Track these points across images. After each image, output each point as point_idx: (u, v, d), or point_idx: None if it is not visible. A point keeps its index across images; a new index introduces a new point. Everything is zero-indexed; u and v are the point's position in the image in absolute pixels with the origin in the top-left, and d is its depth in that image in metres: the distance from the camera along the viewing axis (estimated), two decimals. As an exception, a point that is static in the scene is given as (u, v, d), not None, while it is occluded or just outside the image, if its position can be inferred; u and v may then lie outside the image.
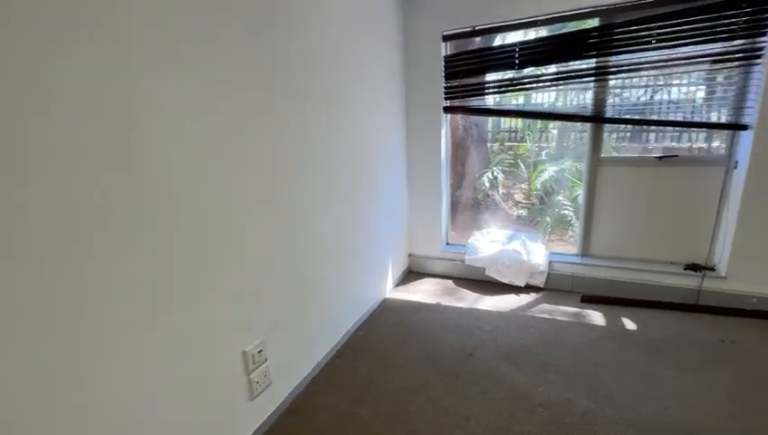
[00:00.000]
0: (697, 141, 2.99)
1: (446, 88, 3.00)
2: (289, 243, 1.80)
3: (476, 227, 3.66)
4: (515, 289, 2.94)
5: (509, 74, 3.00)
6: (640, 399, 1.78)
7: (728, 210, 2.48)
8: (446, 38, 2.92)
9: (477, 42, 3.27)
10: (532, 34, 3.03)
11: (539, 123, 4.33)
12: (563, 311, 2.62)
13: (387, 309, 2.78)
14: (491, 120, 4.36)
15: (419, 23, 2.92)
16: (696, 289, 2.58)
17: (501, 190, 4.52)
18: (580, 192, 3.71)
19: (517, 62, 2.78)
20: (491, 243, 3.14)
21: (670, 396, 1.79)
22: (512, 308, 2.70)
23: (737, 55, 2.28)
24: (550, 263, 2.96)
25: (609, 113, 2.73)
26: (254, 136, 1.55)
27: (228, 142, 1.43)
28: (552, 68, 2.76)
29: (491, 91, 2.96)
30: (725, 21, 2.26)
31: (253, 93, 1.53)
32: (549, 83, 2.81)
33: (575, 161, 3.94)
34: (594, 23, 2.61)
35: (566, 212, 4.03)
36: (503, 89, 2.96)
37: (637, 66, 2.52)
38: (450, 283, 3.17)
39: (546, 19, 2.65)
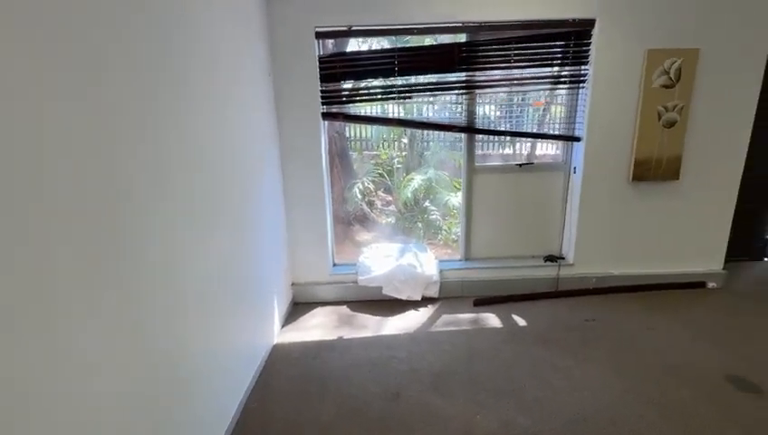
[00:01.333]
0: (542, 149, 3.55)
1: (323, 92, 2.65)
2: (129, 328, 1.14)
3: (358, 243, 3.43)
4: (414, 304, 2.83)
5: (389, 81, 2.88)
6: (562, 398, 1.86)
7: (571, 208, 2.96)
8: (319, 35, 2.58)
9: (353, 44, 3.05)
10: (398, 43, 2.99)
11: (393, 132, 4.45)
12: (464, 319, 2.64)
13: (280, 359, 2.24)
14: (349, 129, 4.24)
15: (287, 14, 2.49)
16: (554, 278, 2.99)
17: (372, 200, 4.44)
18: (450, 198, 3.97)
19: (397, 68, 2.67)
20: (383, 259, 2.95)
21: (580, 386, 1.93)
22: (417, 327, 2.56)
23: (569, 79, 2.73)
24: (440, 271, 2.97)
25: (479, 124, 2.90)
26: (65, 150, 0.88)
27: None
28: (429, 78, 2.77)
29: (372, 97, 2.78)
30: (560, 50, 2.68)
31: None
32: (427, 93, 2.81)
33: (438, 169, 4.19)
34: (463, 38, 2.72)
35: (434, 217, 4.24)
36: (385, 96, 2.81)
37: (498, 82, 2.75)
38: (345, 309, 2.83)
39: (423, 28, 2.62)
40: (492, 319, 2.63)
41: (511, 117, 3.11)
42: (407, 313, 2.74)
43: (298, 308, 2.86)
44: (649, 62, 2.60)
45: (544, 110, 2.99)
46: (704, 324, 2.50)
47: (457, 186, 3.59)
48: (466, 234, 3.08)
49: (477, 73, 2.75)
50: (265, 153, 2.42)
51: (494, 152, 3.66)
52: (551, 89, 2.85)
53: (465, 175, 2.96)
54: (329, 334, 2.50)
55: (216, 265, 1.65)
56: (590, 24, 2.60)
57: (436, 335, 2.46)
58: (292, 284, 2.94)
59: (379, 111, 3.04)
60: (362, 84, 2.99)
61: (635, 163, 2.77)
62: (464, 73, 2.72)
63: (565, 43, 2.66)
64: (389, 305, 2.81)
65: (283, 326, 2.61)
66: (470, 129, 2.85)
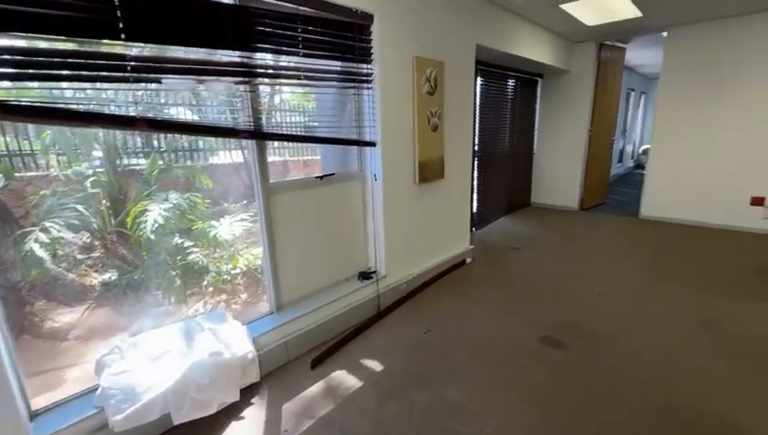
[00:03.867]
0: (306, 154, 3.10)
1: None
2: None
3: (60, 336, 1.88)
4: (231, 411, 1.79)
5: (103, 47, 1.56)
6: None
7: (374, 217, 2.75)
8: None
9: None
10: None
11: (76, 140, 2.83)
12: (313, 397, 1.90)
13: None
14: None
15: None
16: (376, 296, 2.73)
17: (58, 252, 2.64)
18: (213, 229, 2.89)
19: (123, 26, 1.47)
20: (153, 364, 1.68)
21: (476, 419, 1.72)
22: (260, 450, 1.60)
23: (358, 78, 2.43)
24: (254, 341, 2.04)
25: (265, 127, 2.13)
26: None
27: None
28: (184, 52, 1.73)
29: (77, 74, 1.43)
30: (347, 42, 2.32)
31: None
32: (183, 75, 1.74)
33: (175, 192, 2.96)
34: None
35: (195, 257, 3.02)
36: (101, 73, 1.50)
37: (285, 71, 2.08)
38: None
39: (165, -37, 1.55)
40: (343, 378, 2.04)
41: (305, 119, 2.51)
42: (224, 433, 1.69)
43: None
44: (417, 69, 2.70)
45: (340, 111, 2.59)
46: (488, 299, 2.95)
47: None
48: (273, 276, 2.27)
49: (258, 56, 1.97)
50: None
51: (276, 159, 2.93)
52: (342, 86, 2.46)
53: (260, 198, 2.12)
54: None
55: None
56: (370, 18, 2.38)
57: (296, 449, 1.61)
58: None
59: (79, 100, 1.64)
60: (43, 47, 1.49)
61: (419, 165, 2.87)
62: (239, 52, 1.86)
63: (351, 36, 2.33)
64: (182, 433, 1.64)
65: None
66: (260, 133, 2.04)
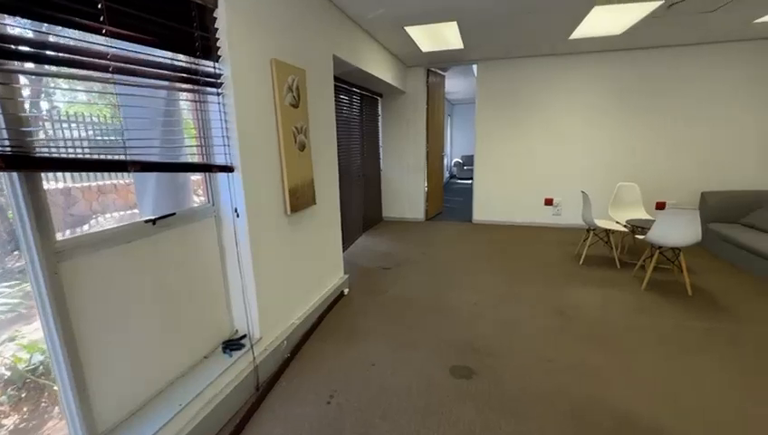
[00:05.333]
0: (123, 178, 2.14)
1: None
2: None
3: None
4: None
5: None
6: None
7: (241, 263, 2.07)
8: None
9: None
10: None
11: None
12: None
13: None
14: None
15: None
16: (253, 368, 2.04)
17: None
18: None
19: None
20: None
21: None
22: None
23: (203, 79, 1.75)
24: None
25: (37, 149, 1.24)
26: None
27: None
28: None
29: None
30: (184, 28, 1.63)
31: None
32: None
33: None
34: None
35: None
36: None
37: (77, 56, 1.26)
38: None
39: None
40: None
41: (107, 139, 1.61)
42: None
43: None
44: (278, 74, 2.19)
45: (171, 123, 1.76)
46: (382, 334, 2.65)
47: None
48: (76, 382, 1.36)
49: (9, 21, 1.11)
50: None
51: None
52: (177, 88, 1.71)
53: (37, 267, 1.22)
54: None
55: None
56: (212, 1, 1.75)
57: None
58: None
59: None
60: None
61: (289, 192, 2.34)
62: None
63: (188, 20, 1.65)
64: None
65: None
66: (25, 160, 1.16)
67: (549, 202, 5.58)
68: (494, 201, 5.78)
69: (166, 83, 1.62)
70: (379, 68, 4.25)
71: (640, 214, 4.27)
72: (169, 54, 1.63)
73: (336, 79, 3.23)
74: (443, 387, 2.06)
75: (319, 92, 2.75)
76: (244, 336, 2.11)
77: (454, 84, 8.03)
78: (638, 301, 3.06)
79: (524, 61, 5.22)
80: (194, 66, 1.71)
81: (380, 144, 6.04)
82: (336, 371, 2.22)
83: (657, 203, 5.09)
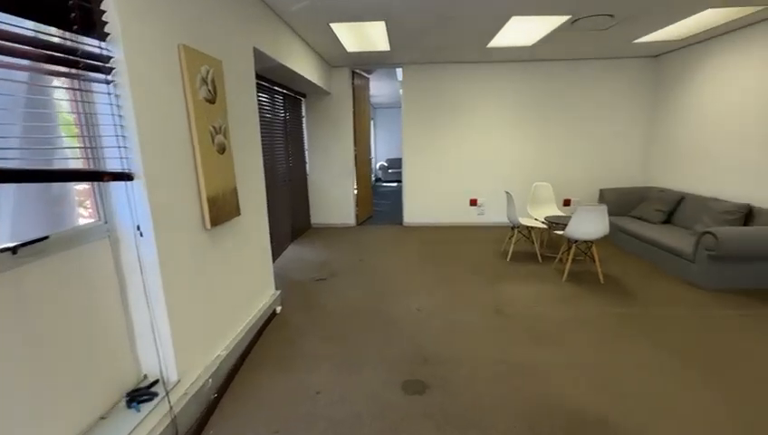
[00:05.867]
0: None
1: None
2: None
3: None
4: None
5: None
6: None
7: (148, 292, 1.67)
8: None
9: None
10: None
11: None
12: None
13: None
14: None
15: None
16: (170, 421, 1.65)
17: None
18: None
19: None
20: None
21: None
22: None
23: (84, 61, 1.35)
24: None
25: None
26: None
27: None
28: None
29: None
30: (46, -11, 1.23)
31: None
32: None
33: None
34: None
35: None
36: None
37: None
38: None
39: None
40: None
41: None
42: None
43: None
44: (188, 63, 1.84)
45: (31, 118, 1.29)
46: (323, 356, 2.41)
47: None
48: None
49: None
50: None
51: None
52: (44, 70, 1.28)
53: None
54: None
55: None
56: (94, -39, 1.37)
57: None
58: None
59: None
60: None
61: (208, 202, 1.99)
62: None
63: (47, -20, 1.25)
64: None
65: None
66: None
67: (474, 202, 5.83)
68: (423, 204, 5.86)
69: (26, 63, 1.20)
70: (304, 66, 3.98)
71: (554, 211, 4.66)
72: (31, 24, 1.22)
73: (257, 76, 2.92)
74: (397, 407, 1.91)
75: (239, 88, 2.42)
76: (156, 382, 1.71)
77: (378, 87, 8.03)
78: (562, 292, 3.28)
79: (448, 66, 5.38)
80: (69, 43, 1.31)
81: (306, 147, 5.73)
82: (276, 405, 1.93)
83: (565, 200, 5.64)
